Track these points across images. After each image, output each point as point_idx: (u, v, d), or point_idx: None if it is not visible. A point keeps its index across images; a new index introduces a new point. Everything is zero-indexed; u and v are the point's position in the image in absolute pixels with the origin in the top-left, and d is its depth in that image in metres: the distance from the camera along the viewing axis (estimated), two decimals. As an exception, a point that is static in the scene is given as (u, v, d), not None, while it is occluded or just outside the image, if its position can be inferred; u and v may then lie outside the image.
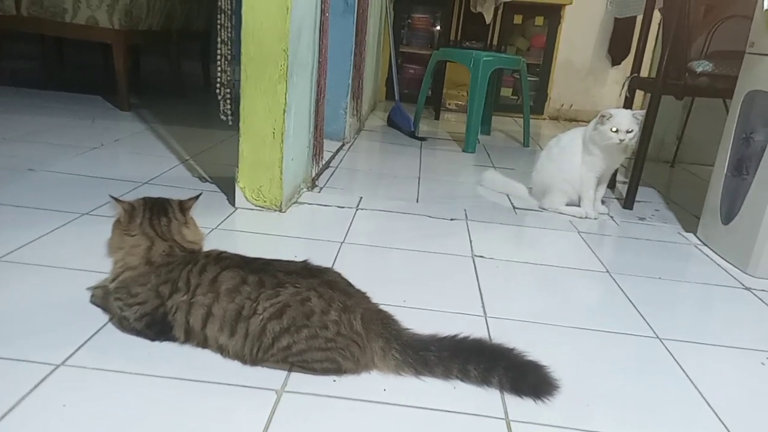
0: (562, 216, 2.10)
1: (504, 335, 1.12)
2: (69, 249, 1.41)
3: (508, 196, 2.30)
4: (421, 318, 1.12)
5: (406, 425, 0.91)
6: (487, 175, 2.41)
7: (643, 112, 2.10)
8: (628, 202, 2.28)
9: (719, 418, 1.00)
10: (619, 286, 1.51)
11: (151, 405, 0.89)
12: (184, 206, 1.13)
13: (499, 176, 2.39)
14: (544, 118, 4.74)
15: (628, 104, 2.55)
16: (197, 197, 1.16)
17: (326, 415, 0.91)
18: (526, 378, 0.99)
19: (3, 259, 1.31)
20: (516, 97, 4.72)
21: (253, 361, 1.00)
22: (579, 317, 1.32)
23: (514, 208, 2.16)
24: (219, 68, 1.91)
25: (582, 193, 2.10)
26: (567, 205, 2.12)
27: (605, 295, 1.48)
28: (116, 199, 1.08)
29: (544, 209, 2.15)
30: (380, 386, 0.99)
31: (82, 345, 1.02)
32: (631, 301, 1.43)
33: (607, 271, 1.61)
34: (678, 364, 1.16)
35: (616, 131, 1.96)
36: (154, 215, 1.09)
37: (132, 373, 0.96)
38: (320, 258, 1.11)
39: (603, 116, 2.00)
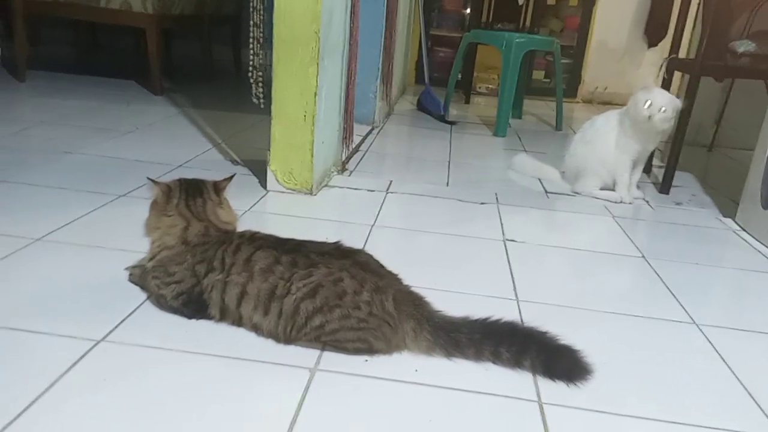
0: (596, 200, 2.06)
1: (536, 319, 1.11)
2: (106, 229, 1.44)
3: (539, 180, 2.27)
4: (452, 301, 1.11)
5: (438, 406, 0.91)
6: (518, 159, 2.38)
7: (681, 99, 2.03)
8: (664, 187, 2.23)
9: (758, 404, 0.98)
10: (655, 272, 1.49)
11: (187, 380, 0.91)
12: (218, 187, 1.15)
13: (531, 160, 2.36)
14: (578, 102, 4.65)
15: (665, 86, 2.48)
16: (231, 178, 1.17)
17: (358, 394, 0.92)
18: (559, 361, 0.98)
19: (44, 238, 1.35)
20: (548, 80, 4.64)
21: (287, 339, 1.01)
22: (613, 302, 1.30)
23: (546, 192, 2.13)
24: (251, 51, 1.92)
25: (617, 177, 2.06)
26: (601, 189, 2.09)
27: (640, 280, 1.45)
28: (153, 181, 1.10)
29: (577, 193, 2.11)
30: (411, 367, 0.99)
31: (122, 322, 1.05)
32: (667, 286, 1.41)
33: (643, 256, 1.58)
34: (715, 349, 1.14)
35: (649, 105, 1.91)
36: (190, 196, 1.11)
37: (169, 350, 0.98)
38: (351, 240, 1.12)
39: (642, 89, 1.95)
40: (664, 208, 2.05)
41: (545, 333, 1.02)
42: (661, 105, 1.91)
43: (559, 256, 1.56)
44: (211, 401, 0.87)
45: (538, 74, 4.66)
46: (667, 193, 2.21)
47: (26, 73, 3.12)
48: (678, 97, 2.01)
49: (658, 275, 1.47)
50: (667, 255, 1.60)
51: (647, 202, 2.11)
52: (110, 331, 1.02)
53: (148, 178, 1.11)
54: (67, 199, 1.61)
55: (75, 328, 1.01)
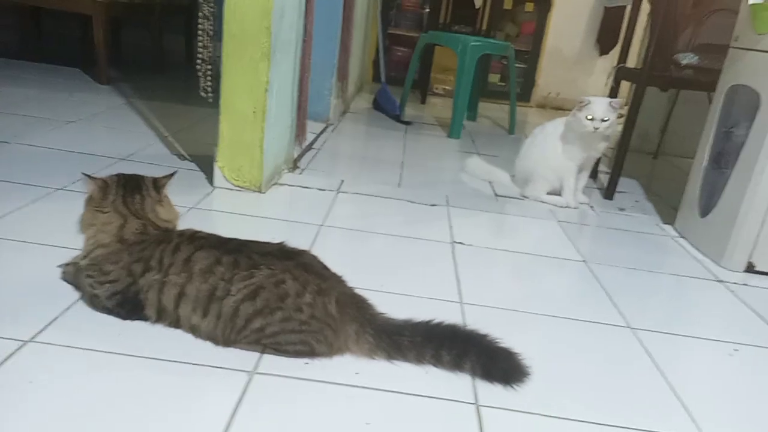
0: (543, 205, 2.11)
1: (478, 322, 1.12)
2: (41, 224, 1.38)
3: (490, 183, 2.30)
4: (397, 303, 1.12)
5: (378, 409, 0.91)
6: (470, 162, 2.40)
7: (621, 100, 2.09)
8: (608, 193, 2.29)
9: (686, 408, 1.01)
10: (595, 276, 1.53)
11: (121, 384, 0.88)
12: (158, 184, 1.12)
13: (483, 163, 2.39)
14: (531, 106, 4.74)
15: (613, 94, 2.55)
16: (172, 175, 1.14)
17: (298, 398, 0.91)
18: (497, 364, 1.00)
19: (-28, 232, 1.29)
20: (503, 84, 4.71)
21: (226, 342, 0.99)
22: (553, 305, 1.33)
23: (495, 195, 2.16)
24: (200, 44, 1.87)
25: (563, 182, 2.10)
26: (549, 194, 2.13)
27: (580, 284, 1.49)
28: (88, 176, 1.06)
29: (525, 197, 2.15)
30: (353, 370, 0.99)
31: (52, 322, 1.01)
32: (605, 290, 1.45)
33: (584, 261, 1.62)
34: (648, 353, 1.18)
35: (591, 119, 1.97)
36: (128, 192, 1.07)
37: (102, 351, 0.95)
38: (299, 240, 1.11)
39: (581, 103, 2.00)
40: (608, 214, 2.11)
41: (485, 336, 1.03)
42: (602, 116, 1.96)
43: (504, 259, 1.59)
44: (143, 406, 0.85)
45: (494, 77, 4.73)
46: (611, 199, 2.28)
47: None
48: (613, 98, 2.06)
49: (598, 280, 1.51)
50: (607, 260, 1.65)
51: (591, 207, 2.16)
52: (39, 332, 0.98)
53: (83, 174, 1.07)
54: (2, 191, 1.54)
55: (1, 328, 0.97)
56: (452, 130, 3.09)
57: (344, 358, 1.01)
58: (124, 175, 1.10)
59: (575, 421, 0.94)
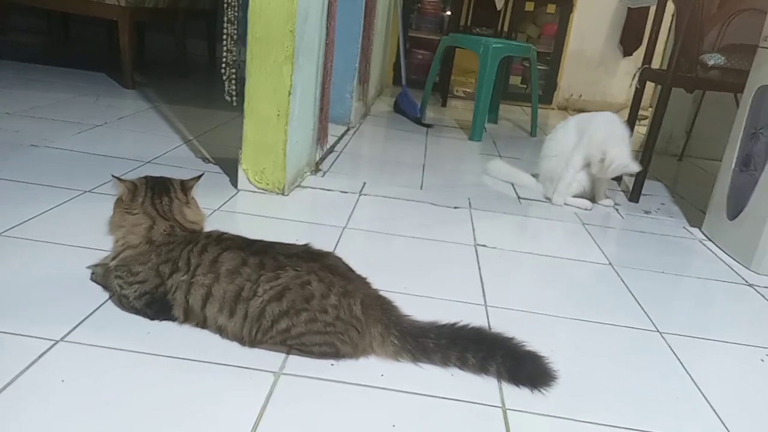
0: (567, 207, 2.09)
1: (503, 325, 1.11)
2: (70, 226, 1.41)
3: (513, 185, 2.28)
4: (421, 305, 1.11)
5: (402, 411, 0.90)
6: (492, 164, 2.39)
7: (636, 164, 2.07)
8: (634, 195, 2.26)
9: (716, 413, 1.00)
10: (622, 279, 1.51)
11: (149, 383, 0.89)
12: (185, 186, 1.13)
13: (505, 165, 2.38)
14: (553, 108, 4.70)
15: (638, 96, 2.52)
16: (199, 177, 1.15)
17: (323, 399, 0.91)
18: (523, 368, 0.99)
19: (5, 234, 1.31)
20: (525, 86, 4.68)
21: (252, 342, 1.00)
22: (580, 309, 1.31)
23: (518, 198, 2.15)
24: (225, 48, 1.89)
25: (560, 177, 2.09)
26: (574, 196, 2.11)
27: (607, 287, 1.47)
28: (118, 178, 1.08)
29: (549, 199, 2.13)
30: (378, 372, 0.99)
31: (82, 322, 1.02)
32: (632, 294, 1.43)
33: (610, 264, 1.60)
34: (677, 358, 1.16)
35: (601, 160, 1.99)
36: (156, 194, 1.09)
37: (131, 351, 0.96)
38: (322, 242, 1.11)
39: (606, 140, 2.00)
40: (633, 217, 2.08)
41: (511, 339, 1.02)
42: (613, 162, 1.96)
43: (528, 262, 1.57)
44: (172, 405, 0.86)
45: (515, 80, 4.70)
46: (637, 202, 2.25)
47: (-7, 63, 3.04)
48: (635, 160, 2.06)
49: (625, 283, 1.49)
50: (633, 263, 1.63)
51: (617, 210, 2.14)
52: (70, 331, 0.99)
53: (113, 176, 1.09)
54: (32, 193, 1.57)
55: (33, 327, 0.99)
56: (473, 132, 3.08)
57: (369, 359, 1.01)
58: (152, 177, 1.12)
59: (604, 425, 0.93)
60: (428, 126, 3.27)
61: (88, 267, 1.18)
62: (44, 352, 0.93)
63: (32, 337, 0.96)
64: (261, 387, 0.91)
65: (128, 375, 0.91)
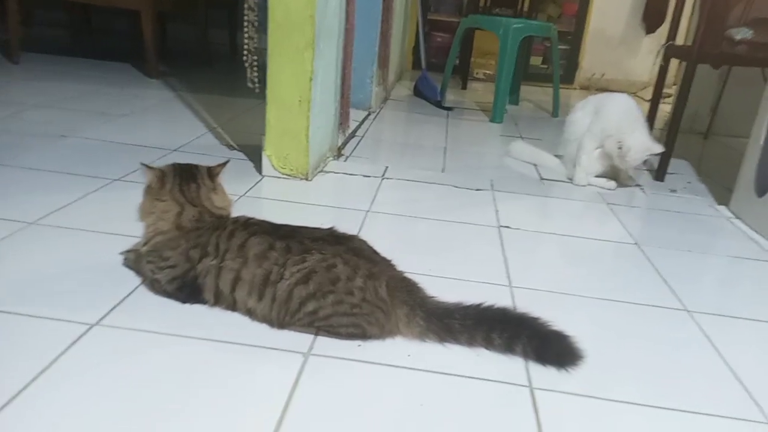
0: (591, 187, 2.07)
1: (529, 305, 1.12)
2: (101, 213, 1.44)
3: (535, 166, 2.27)
4: (445, 287, 1.12)
5: (430, 390, 0.92)
6: (514, 146, 2.38)
7: (659, 146, 2.03)
8: (659, 174, 2.23)
9: (747, 391, 0.99)
10: (648, 259, 1.50)
11: (182, 364, 0.92)
12: (212, 172, 1.15)
13: (527, 146, 2.36)
14: (575, 88, 4.64)
15: (662, 74, 2.48)
16: (225, 164, 1.17)
17: (352, 378, 0.93)
18: (550, 347, 0.99)
19: (38, 222, 1.35)
20: (546, 66, 4.62)
21: (281, 324, 1.02)
22: (606, 289, 1.31)
23: (541, 178, 2.14)
24: (246, 35, 1.91)
25: (578, 156, 2.06)
26: (597, 176, 2.09)
27: (633, 267, 1.46)
28: (147, 166, 1.10)
29: (572, 179, 2.11)
30: (404, 352, 1.00)
31: (116, 306, 1.05)
32: (659, 273, 1.42)
33: (636, 243, 1.59)
34: (706, 336, 1.15)
35: (619, 148, 1.96)
36: (184, 181, 1.11)
37: (164, 334, 0.99)
38: (346, 226, 1.12)
39: (625, 129, 1.98)
40: (659, 196, 2.06)
41: (537, 319, 1.03)
42: (631, 149, 1.94)
43: (552, 242, 1.57)
44: (205, 385, 0.88)
45: (536, 60, 4.64)
46: (662, 180, 2.22)
47: (20, 55, 3.09)
48: (655, 141, 2.02)
49: (651, 262, 1.48)
50: (660, 242, 1.61)
51: (642, 189, 2.11)
52: (104, 315, 1.02)
53: (142, 164, 1.11)
54: (63, 182, 1.61)
55: (69, 312, 1.02)
56: (494, 114, 3.06)
57: (396, 340, 1.03)
58: (179, 164, 1.14)
59: (633, 404, 0.93)
60: (449, 109, 3.25)
61: (121, 253, 1.21)
62: (80, 336, 0.96)
63: (69, 321, 0.99)
64: (291, 368, 0.93)
65: (162, 357, 0.93)
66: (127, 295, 1.09)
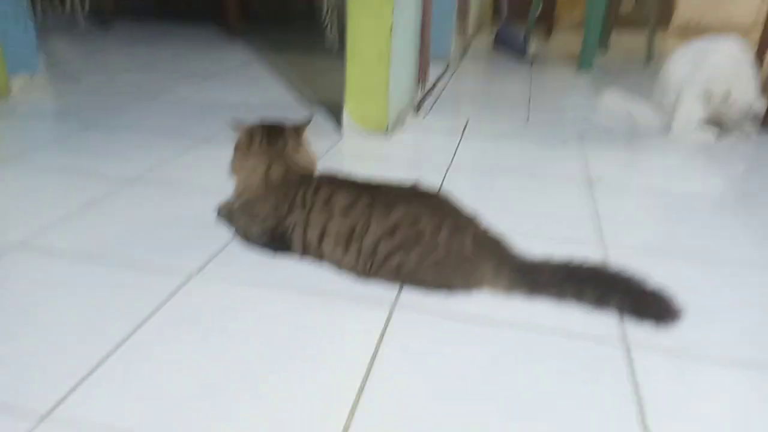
0: (689, 139, 1.93)
1: (623, 263, 1.06)
2: (194, 170, 1.51)
3: (628, 118, 2.14)
4: (532, 244, 1.09)
5: (518, 345, 0.90)
6: (605, 96, 2.25)
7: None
8: (765, 122, 2.04)
9: None
10: (751, 216, 1.39)
11: (275, 313, 0.95)
12: (298, 129, 1.16)
13: (619, 97, 2.23)
14: (671, 33, 4.31)
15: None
16: (310, 120, 1.18)
17: (437, 332, 0.93)
18: (646, 303, 0.95)
19: (138, 178, 1.43)
20: (638, 11, 4.31)
21: (367, 276, 1.03)
22: (706, 246, 1.23)
23: (635, 131, 2.02)
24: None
25: (677, 107, 1.91)
26: (696, 127, 1.95)
27: (735, 225, 1.36)
28: (237, 124, 1.13)
29: (671, 130, 1.97)
30: (490, 306, 0.99)
31: (212, 258, 1.10)
32: (765, 232, 1.31)
33: (739, 199, 1.48)
34: (821, 297, 1.06)
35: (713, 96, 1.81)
36: (272, 138, 1.13)
37: (256, 285, 1.03)
38: (427, 182, 1.11)
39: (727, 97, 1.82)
40: (764, 148, 1.89)
41: (632, 275, 0.98)
42: (737, 101, 1.77)
43: (648, 198, 1.49)
44: (297, 334, 0.91)
45: (627, 4, 4.33)
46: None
47: (112, 22, 3.24)
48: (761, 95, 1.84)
49: (756, 218, 1.37)
50: (764, 198, 1.49)
51: (745, 138, 1.95)
52: (203, 265, 1.07)
53: (231, 122, 1.14)
54: (157, 141, 1.69)
55: (169, 264, 1.08)
56: (582, 63, 2.90)
57: (481, 294, 1.02)
58: (267, 122, 1.16)
59: (734, 363, 0.88)
60: (532, 59, 3.12)
61: (215, 207, 1.26)
62: (180, 287, 1.01)
63: (170, 272, 1.05)
64: (377, 319, 0.95)
65: (256, 306, 0.97)
66: (222, 248, 1.14)
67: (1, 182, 1.42)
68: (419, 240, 0.99)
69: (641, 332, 0.93)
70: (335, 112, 1.92)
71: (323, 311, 0.97)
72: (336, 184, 1.08)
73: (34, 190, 1.38)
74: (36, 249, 1.12)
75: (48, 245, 1.13)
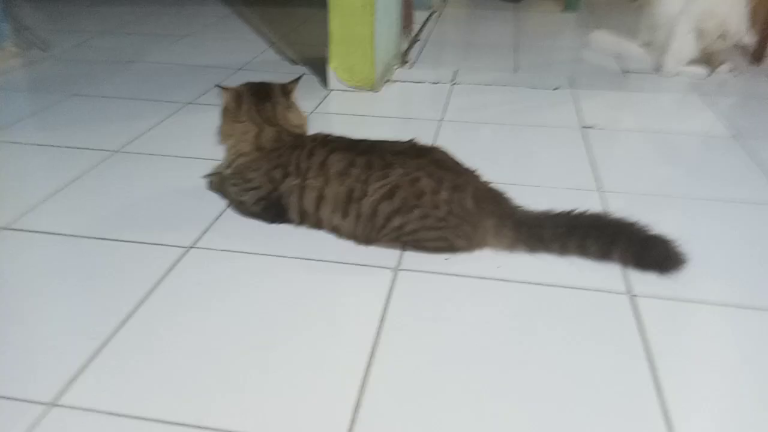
0: (680, 77, 1.91)
1: (623, 210, 1.06)
2: (179, 138, 1.46)
3: (618, 57, 2.10)
4: (531, 196, 1.08)
5: (523, 301, 0.90)
6: (594, 36, 2.20)
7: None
8: (757, 55, 2.02)
9: None
10: (748, 152, 1.38)
11: (277, 282, 0.94)
12: (286, 90, 1.12)
13: (609, 36, 2.18)
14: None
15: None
16: (298, 80, 1.14)
17: (442, 292, 0.92)
18: (650, 252, 0.95)
19: (121, 150, 1.38)
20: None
21: (368, 241, 1.02)
22: (703, 188, 1.23)
23: (625, 71, 1.98)
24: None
25: (669, 43, 1.88)
26: (689, 63, 1.91)
27: (733, 162, 1.36)
28: (223, 88, 1.09)
29: (661, 69, 1.94)
30: (494, 264, 0.98)
31: (207, 229, 1.08)
32: (762, 167, 1.31)
33: (734, 136, 1.47)
34: (820, 234, 1.07)
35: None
36: (260, 100, 1.09)
37: (254, 254, 1.01)
38: (420, 137, 1.08)
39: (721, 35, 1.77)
40: (756, 81, 1.87)
41: (634, 223, 0.98)
42: (730, 33, 1.72)
43: (642, 141, 1.47)
44: (301, 302, 0.90)
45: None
46: (759, 63, 2.01)
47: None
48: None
49: (752, 156, 1.36)
50: (760, 133, 1.48)
51: (736, 75, 1.93)
52: (198, 238, 1.05)
53: (217, 85, 1.10)
54: (138, 109, 1.63)
55: (165, 237, 1.05)
56: (568, 2, 2.83)
57: (484, 252, 1.01)
58: (254, 83, 1.12)
59: (741, 307, 0.89)
60: (516, 1, 3.03)
61: (204, 176, 1.23)
62: (179, 259, 0.99)
63: (166, 245, 1.03)
64: (381, 283, 0.94)
65: (258, 276, 0.96)
66: (216, 218, 1.11)
67: (-20, 161, 1.37)
68: (419, 200, 0.97)
69: (645, 282, 0.93)
70: (319, 69, 1.86)
71: (326, 278, 0.96)
72: (330, 146, 1.05)
73: (16, 168, 1.33)
74: (25, 230, 1.09)
75: (37, 226, 1.10)
